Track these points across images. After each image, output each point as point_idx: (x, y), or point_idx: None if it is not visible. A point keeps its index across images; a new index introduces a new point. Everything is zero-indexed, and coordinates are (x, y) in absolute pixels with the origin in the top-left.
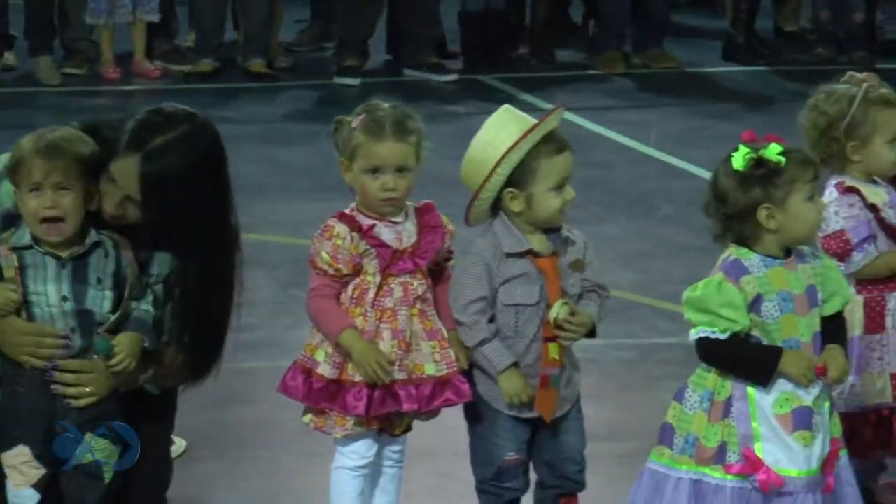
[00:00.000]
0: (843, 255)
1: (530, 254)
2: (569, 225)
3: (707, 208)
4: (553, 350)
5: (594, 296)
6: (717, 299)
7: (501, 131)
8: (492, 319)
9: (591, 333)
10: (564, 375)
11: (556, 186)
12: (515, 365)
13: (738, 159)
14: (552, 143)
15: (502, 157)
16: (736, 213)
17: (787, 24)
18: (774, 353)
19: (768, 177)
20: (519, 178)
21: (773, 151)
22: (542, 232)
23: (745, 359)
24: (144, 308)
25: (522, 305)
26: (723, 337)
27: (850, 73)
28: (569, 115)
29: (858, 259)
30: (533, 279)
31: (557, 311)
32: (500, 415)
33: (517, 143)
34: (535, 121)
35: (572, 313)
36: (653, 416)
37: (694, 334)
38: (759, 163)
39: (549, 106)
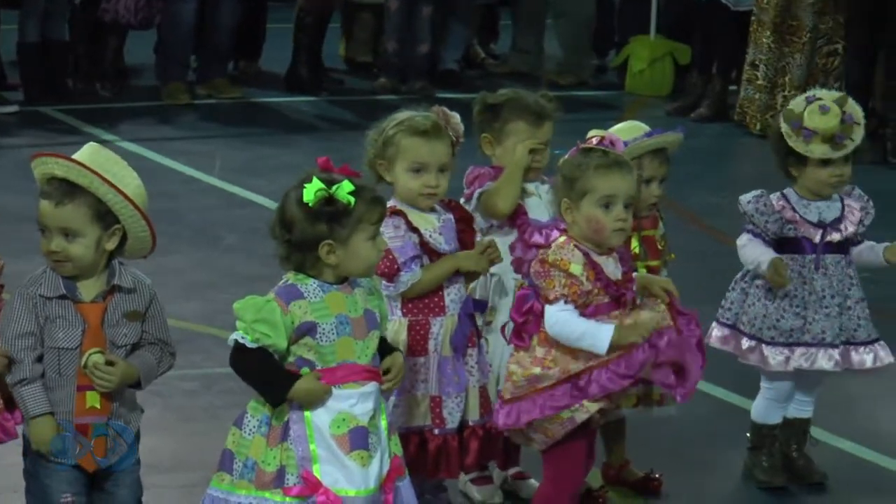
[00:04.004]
0: (390, 275)
1: (67, 298)
2: (139, 275)
3: (273, 231)
4: (91, 398)
5: (155, 349)
6: (254, 315)
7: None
8: (42, 359)
9: (137, 385)
10: (117, 425)
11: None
12: (50, 414)
13: (310, 193)
14: None
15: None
16: (299, 243)
17: (358, 54)
18: (289, 379)
19: (336, 216)
20: None
21: (344, 191)
22: (95, 278)
23: (264, 374)
24: None
25: (64, 349)
26: (251, 346)
27: (442, 107)
28: (133, 147)
29: (406, 278)
30: (72, 323)
31: (86, 358)
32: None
33: None
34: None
35: (108, 362)
36: (217, 445)
37: (231, 338)
38: (328, 200)
39: (113, 137)
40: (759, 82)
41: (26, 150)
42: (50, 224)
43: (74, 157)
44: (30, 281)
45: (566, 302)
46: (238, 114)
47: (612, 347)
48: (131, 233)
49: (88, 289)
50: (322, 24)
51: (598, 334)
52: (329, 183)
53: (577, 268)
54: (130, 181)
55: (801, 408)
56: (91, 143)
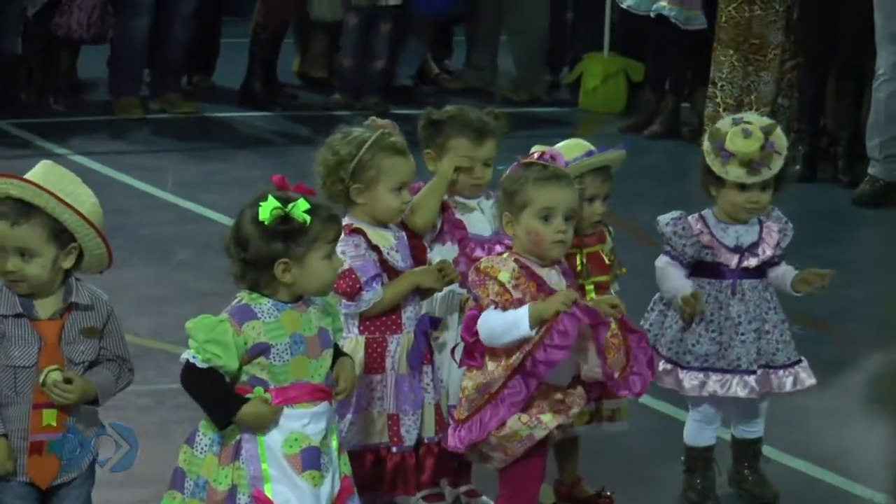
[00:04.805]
0: (352, 294)
1: (23, 316)
2: (97, 291)
3: (228, 250)
4: (48, 416)
5: (113, 366)
6: (206, 335)
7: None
8: None
9: (95, 401)
10: (72, 441)
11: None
12: (3, 436)
13: (265, 211)
14: None
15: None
16: (254, 261)
17: (313, 70)
18: (237, 402)
19: (292, 234)
20: None
21: (300, 209)
22: (52, 295)
23: (212, 396)
24: None
25: (20, 367)
26: (201, 366)
27: (372, 117)
28: (86, 161)
29: (368, 297)
30: (28, 340)
31: (44, 375)
32: None
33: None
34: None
35: (66, 380)
36: (169, 460)
37: (182, 357)
38: (284, 219)
39: (65, 151)
40: (719, 100)
41: None
42: (6, 244)
43: (28, 176)
44: None
45: (495, 308)
46: (191, 128)
47: (538, 323)
48: (87, 250)
49: (45, 306)
50: (277, 40)
51: (517, 315)
52: (284, 201)
53: (504, 275)
54: (86, 199)
55: (748, 429)
56: (45, 161)
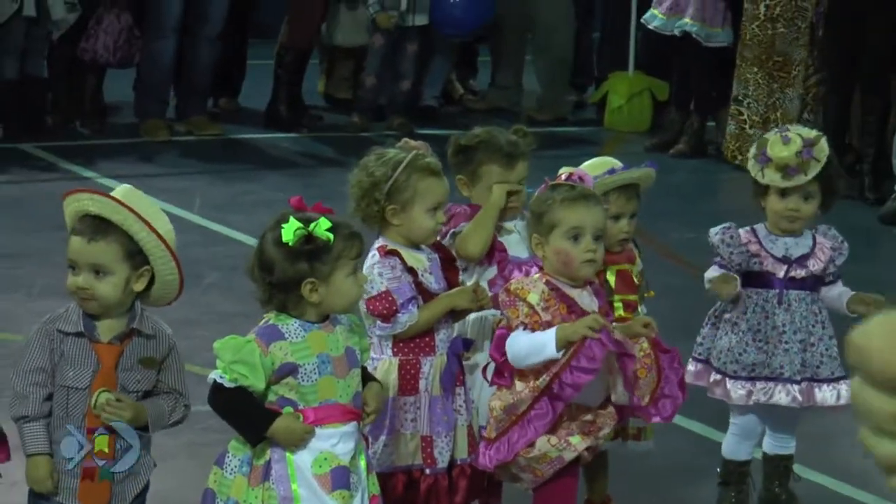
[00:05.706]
0: (388, 316)
1: (84, 336)
2: (161, 324)
3: (252, 274)
4: (100, 442)
5: (169, 398)
6: (233, 355)
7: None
8: (52, 397)
9: (146, 428)
10: (123, 468)
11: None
12: (48, 455)
13: (288, 233)
14: None
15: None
16: (281, 284)
17: (338, 91)
18: (268, 417)
19: (316, 253)
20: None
21: (322, 228)
22: (116, 318)
23: (242, 413)
24: None
25: (73, 388)
26: (229, 385)
27: (404, 139)
28: (113, 184)
29: (404, 320)
30: (84, 362)
31: (95, 397)
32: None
33: None
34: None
35: (118, 400)
36: (198, 483)
37: (209, 377)
38: (308, 239)
39: (92, 174)
40: (745, 117)
41: (5, 186)
42: (80, 260)
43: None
44: (51, 317)
45: (524, 329)
46: (218, 150)
47: (565, 346)
48: (159, 275)
49: (107, 329)
50: (302, 62)
51: (544, 338)
52: (306, 221)
53: (534, 297)
54: (162, 224)
55: (780, 444)
56: (125, 185)
